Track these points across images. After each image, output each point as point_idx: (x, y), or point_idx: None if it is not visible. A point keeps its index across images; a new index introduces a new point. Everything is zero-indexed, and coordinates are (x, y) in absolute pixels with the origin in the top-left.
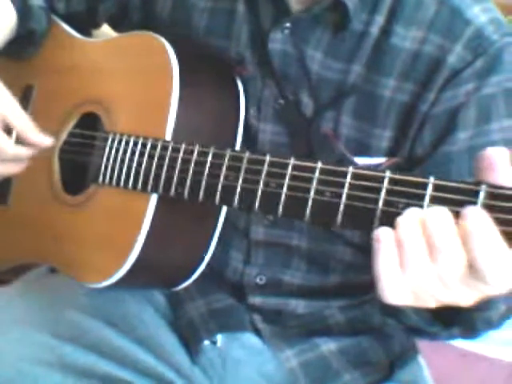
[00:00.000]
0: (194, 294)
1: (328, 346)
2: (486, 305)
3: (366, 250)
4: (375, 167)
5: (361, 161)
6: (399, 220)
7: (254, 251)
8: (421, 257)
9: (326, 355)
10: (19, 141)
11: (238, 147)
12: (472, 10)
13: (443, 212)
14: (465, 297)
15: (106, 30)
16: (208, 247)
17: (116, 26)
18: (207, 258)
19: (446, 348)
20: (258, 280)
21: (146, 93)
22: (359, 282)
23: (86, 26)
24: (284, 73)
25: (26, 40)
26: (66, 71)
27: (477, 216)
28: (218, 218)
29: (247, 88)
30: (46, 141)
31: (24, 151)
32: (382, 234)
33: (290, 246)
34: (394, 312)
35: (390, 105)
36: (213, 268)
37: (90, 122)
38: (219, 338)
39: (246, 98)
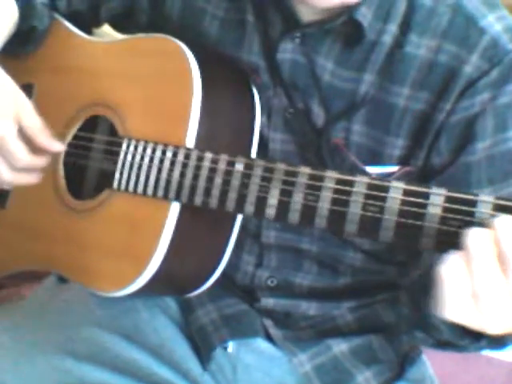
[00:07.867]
0: (204, 299)
1: (339, 347)
2: None
3: (375, 256)
4: (388, 176)
5: (372, 170)
6: (468, 236)
7: (266, 254)
8: (492, 272)
9: (339, 357)
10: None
11: (253, 155)
12: (487, 18)
13: None
14: None
15: (106, 29)
16: (224, 254)
17: (117, 26)
18: (223, 264)
19: None
20: (269, 282)
21: (163, 98)
22: (370, 283)
23: (87, 24)
24: (293, 82)
25: (26, 37)
26: (69, 71)
27: None
28: (233, 225)
29: (259, 96)
30: (56, 146)
31: (38, 161)
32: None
33: (300, 250)
34: (426, 327)
35: (403, 113)
36: (224, 272)
37: (93, 125)
38: (230, 344)
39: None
